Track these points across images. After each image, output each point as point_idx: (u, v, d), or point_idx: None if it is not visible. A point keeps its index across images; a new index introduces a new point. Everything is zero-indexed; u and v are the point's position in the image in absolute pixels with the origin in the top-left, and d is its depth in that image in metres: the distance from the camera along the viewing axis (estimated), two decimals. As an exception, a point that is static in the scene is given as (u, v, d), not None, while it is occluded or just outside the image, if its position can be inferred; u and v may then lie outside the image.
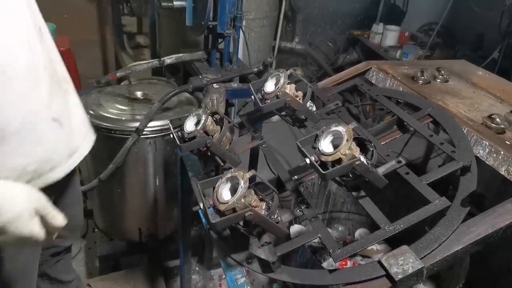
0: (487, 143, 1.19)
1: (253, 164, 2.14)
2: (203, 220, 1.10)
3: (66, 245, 1.62)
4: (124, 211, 2.21)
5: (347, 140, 0.91)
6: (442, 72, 1.62)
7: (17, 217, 0.78)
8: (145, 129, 1.91)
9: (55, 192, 1.18)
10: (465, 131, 1.25)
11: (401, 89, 1.53)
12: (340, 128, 0.94)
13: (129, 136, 1.90)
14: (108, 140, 1.95)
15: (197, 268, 2.43)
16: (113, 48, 3.90)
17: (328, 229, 2.33)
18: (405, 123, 1.27)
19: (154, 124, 1.94)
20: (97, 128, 1.92)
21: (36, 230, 0.83)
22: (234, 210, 0.86)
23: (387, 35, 4.47)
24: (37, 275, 1.61)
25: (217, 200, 0.90)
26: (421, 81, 1.56)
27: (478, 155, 1.21)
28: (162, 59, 2.23)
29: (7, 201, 0.78)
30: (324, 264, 1.99)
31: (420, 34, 4.62)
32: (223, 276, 2.26)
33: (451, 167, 1.07)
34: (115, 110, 2.01)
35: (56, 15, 2.88)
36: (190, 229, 1.80)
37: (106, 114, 1.97)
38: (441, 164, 2.39)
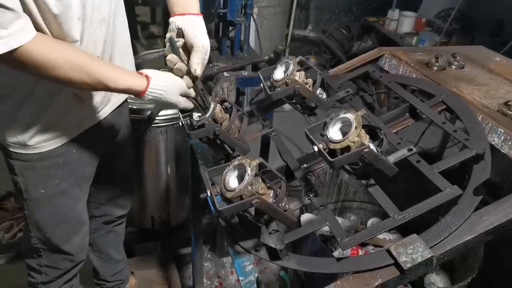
0: (503, 131, 1.16)
1: (264, 153, 2.13)
2: (212, 207, 1.11)
3: (117, 214, 1.75)
4: (137, 199, 2.24)
5: (355, 128, 0.89)
6: (458, 58, 1.58)
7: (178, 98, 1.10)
8: (157, 118, 1.92)
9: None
10: (480, 118, 1.21)
11: (414, 76, 1.50)
12: (349, 115, 0.92)
13: (141, 125, 1.91)
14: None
15: (209, 255, 2.45)
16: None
17: (341, 219, 2.34)
18: (417, 110, 1.25)
19: (166, 113, 1.94)
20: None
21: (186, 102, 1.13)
22: (241, 197, 0.86)
23: (403, 22, 4.37)
24: (89, 244, 1.70)
25: (224, 187, 0.90)
26: (435, 68, 1.53)
27: (493, 143, 1.18)
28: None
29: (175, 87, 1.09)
30: (335, 253, 1.98)
31: (437, 20, 4.50)
32: (235, 264, 2.28)
33: (464, 155, 1.05)
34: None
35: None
36: (202, 217, 1.82)
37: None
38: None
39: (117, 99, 1.41)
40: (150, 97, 1.06)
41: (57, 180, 1.30)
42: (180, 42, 1.12)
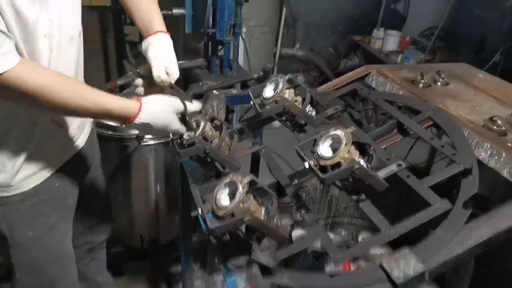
0: (489, 145, 1.18)
1: (254, 170, 2.13)
2: (203, 225, 1.10)
3: (99, 240, 1.73)
4: (126, 218, 2.21)
5: (345, 144, 0.90)
6: (442, 75, 1.62)
7: (172, 119, 1.08)
8: (146, 137, 1.91)
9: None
10: (466, 134, 1.24)
11: (401, 93, 1.53)
12: (339, 132, 0.94)
13: (130, 144, 1.90)
14: (108, 147, 1.96)
15: (199, 274, 2.41)
16: (115, 57, 3.92)
17: (332, 234, 2.33)
18: (405, 126, 1.27)
19: (155, 131, 1.94)
20: (98, 136, 1.93)
21: (179, 124, 1.10)
22: (232, 215, 0.86)
23: (388, 40, 4.47)
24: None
25: (216, 205, 0.90)
26: (421, 85, 1.56)
27: (480, 157, 1.20)
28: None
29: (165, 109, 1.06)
30: (328, 269, 1.97)
31: (421, 38, 4.62)
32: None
33: (452, 170, 1.06)
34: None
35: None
36: (192, 235, 1.80)
37: (106, 121, 1.98)
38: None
39: (88, 125, 1.39)
40: (143, 119, 1.03)
41: (45, 217, 1.25)
42: (137, 81, 1.18)
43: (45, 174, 1.21)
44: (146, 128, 1.06)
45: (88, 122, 1.38)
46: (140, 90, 1.16)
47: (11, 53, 0.87)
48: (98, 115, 1.02)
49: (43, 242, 1.27)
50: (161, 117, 1.05)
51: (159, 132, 1.09)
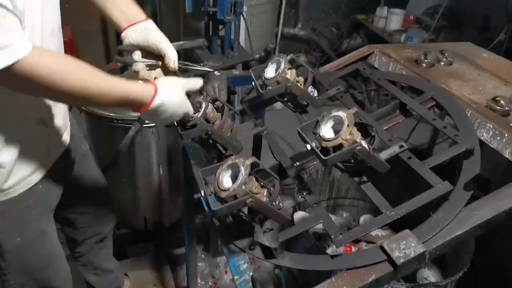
0: (491, 126, 1.18)
1: (256, 152, 2.13)
2: (205, 207, 1.11)
3: (107, 229, 1.72)
4: (129, 200, 2.23)
5: (347, 125, 0.90)
6: (446, 54, 1.60)
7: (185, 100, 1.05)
8: (148, 118, 1.91)
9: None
10: (468, 114, 1.23)
11: (404, 73, 1.51)
12: (341, 113, 0.93)
13: (132, 125, 1.90)
14: (110, 129, 1.96)
15: (202, 255, 2.45)
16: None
17: (333, 216, 2.35)
18: (407, 107, 1.26)
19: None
20: (99, 118, 1.93)
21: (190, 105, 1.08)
22: (235, 197, 0.86)
23: (391, 19, 4.40)
24: (82, 264, 1.72)
25: (218, 187, 0.90)
26: (424, 64, 1.54)
27: (482, 138, 1.19)
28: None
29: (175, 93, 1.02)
30: (329, 251, 2.00)
31: (425, 17, 4.54)
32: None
33: (454, 151, 1.06)
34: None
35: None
36: (195, 217, 1.81)
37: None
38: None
39: (68, 120, 1.33)
40: (159, 101, 0.98)
41: (33, 223, 1.21)
42: (139, 64, 1.13)
43: (33, 179, 1.16)
44: (159, 113, 1.01)
45: (68, 116, 1.31)
46: (145, 74, 1.11)
47: (26, 36, 0.83)
48: (114, 101, 0.95)
49: (33, 246, 1.23)
50: (176, 99, 1.02)
51: (172, 117, 1.04)
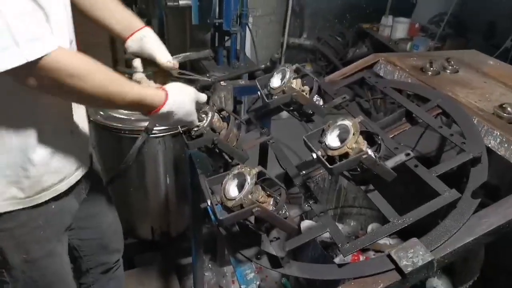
0: (498, 133, 1.17)
1: (263, 161, 2.14)
2: (212, 216, 1.11)
3: (113, 260, 1.61)
4: (136, 210, 2.24)
5: (353, 134, 0.90)
6: (452, 62, 1.60)
7: (193, 109, 1.09)
8: (154, 128, 1.93)
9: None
10: (475, 122, 1.23)
11: (409, 81, 1.51)
12: (346, 122, 0.93)
13: (139, 136, 1.92)
14: (118, 140, 1.97)
15: (209, 265, 2.44)
16: (122, 50, 3.94)
17: (341, 225, 2.34)
18: (413, 115, 1.26)
19: (163, 123, 1.95)
20: (107, 129, 1.95)
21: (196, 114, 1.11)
22: (241, 206, 0.87)
23: (396, 28, 4.41)
24: None
25: (225, 196, 0.90)
26: (430, 72, 1.54)
27: (490, 145, 1.19)
28: (170, 58, 2.24)
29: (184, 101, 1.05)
30: (336, 260, 1.98)
31: (431, 25, 4.55)
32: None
33: (461, 159, 1.06)
34: (124, 110, 2.03)
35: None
36: (202, 227, 1.81)
37: (115, 114, 1.99)
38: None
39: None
40: (170, 106, 1.01)
41: (41, 243, 1.17)
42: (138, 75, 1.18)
43: (61, 188, 1.15)
44: (167, 117, 1.04)
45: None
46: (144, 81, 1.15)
47: (50, 34, 0.83)
48: (130, 103, 0.97)
49: (40, 265, 1.20)
50: (185, 106, 1.05)
51: (178, 121, 1.07)
